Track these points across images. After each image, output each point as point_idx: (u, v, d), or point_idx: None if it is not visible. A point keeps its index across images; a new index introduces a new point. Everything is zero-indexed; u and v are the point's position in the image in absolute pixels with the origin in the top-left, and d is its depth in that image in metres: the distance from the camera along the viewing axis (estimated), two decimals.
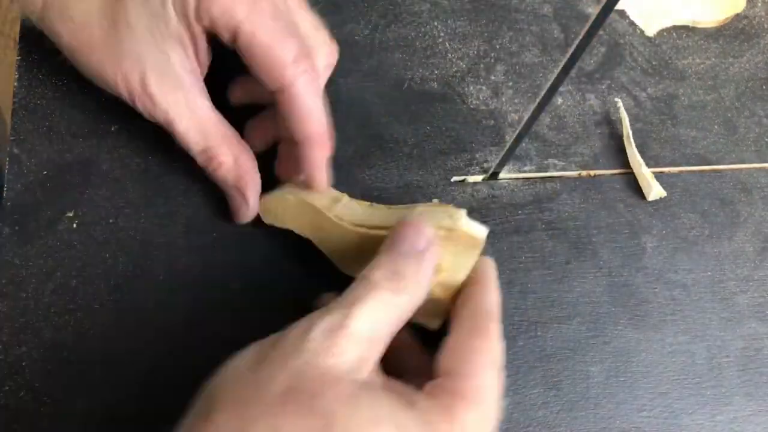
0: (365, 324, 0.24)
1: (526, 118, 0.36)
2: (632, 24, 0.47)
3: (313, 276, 0.37)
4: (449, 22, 0.44)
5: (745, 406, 0.37)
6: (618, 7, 0.30)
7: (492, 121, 0.42)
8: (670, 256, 0.40)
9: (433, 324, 0.31)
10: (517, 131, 0.37)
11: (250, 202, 0.34)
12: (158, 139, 0.39)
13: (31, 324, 0.33)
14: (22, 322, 0.33)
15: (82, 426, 0.31)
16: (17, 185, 0.37)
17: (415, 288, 0.27)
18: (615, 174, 0.42)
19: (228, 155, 0.34)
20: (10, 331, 0.32)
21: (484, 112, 0.42)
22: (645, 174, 0.40)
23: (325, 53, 0.36)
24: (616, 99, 0.44)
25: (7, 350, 0.32)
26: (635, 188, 0.41)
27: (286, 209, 0.34)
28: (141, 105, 0.33)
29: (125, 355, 0.33)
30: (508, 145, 0.38)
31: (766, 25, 0.48)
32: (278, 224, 0.35)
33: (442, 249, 0.28)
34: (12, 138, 0.38)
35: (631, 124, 0.43)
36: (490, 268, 0.30)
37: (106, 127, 0.39)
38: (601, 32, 0.42)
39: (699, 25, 0.47)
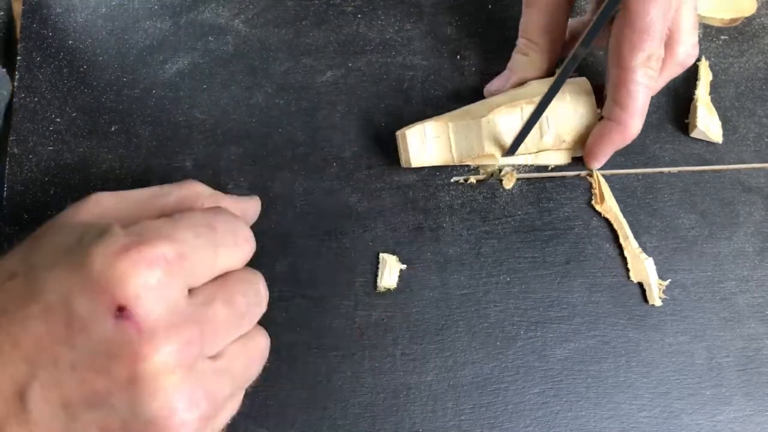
0: None
1: (526, 119, 0.36)
2: None
3: (306, 276, 0.37)
4: (451, 21, 0.44)
5: (744, 406, 0.37)
6: None
7: None
8: (670, 256, 0.40)
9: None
10: (518, 131, 0.37)
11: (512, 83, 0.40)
12: (158, 140, 0.39)
13: None
14: None
15: None
16: (17, 185, 0.37)
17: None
18: (614, 174, 0.42)
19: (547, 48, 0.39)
20: None
21: None
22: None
23: (686, 51, 0.38)
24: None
25: None
26: (634, 188, 0.41)
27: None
28: None
29: None
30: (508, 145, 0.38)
31: (766, 25, 0.48)
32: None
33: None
34: (12, 138, 0.38)
35: None
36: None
37: (106, 127, 0.39)
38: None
39: (704, 21, 0.47)
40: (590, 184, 0.41)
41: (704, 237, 0.41)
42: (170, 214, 0.26)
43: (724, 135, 0.43)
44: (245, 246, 0.27)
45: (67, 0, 0.42)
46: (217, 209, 0.28)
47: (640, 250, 0.39)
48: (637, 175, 0.42)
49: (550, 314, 0.38)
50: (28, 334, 0.23)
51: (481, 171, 0.40)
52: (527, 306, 0.38)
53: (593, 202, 0.40)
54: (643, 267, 0.39)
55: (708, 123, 0.43)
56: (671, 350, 0.38)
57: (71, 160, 0.37)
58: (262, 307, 0.28)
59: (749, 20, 0.47)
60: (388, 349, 0.36)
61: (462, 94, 0.42)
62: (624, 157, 0.42)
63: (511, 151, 0.38)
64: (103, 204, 0.27)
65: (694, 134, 0.43)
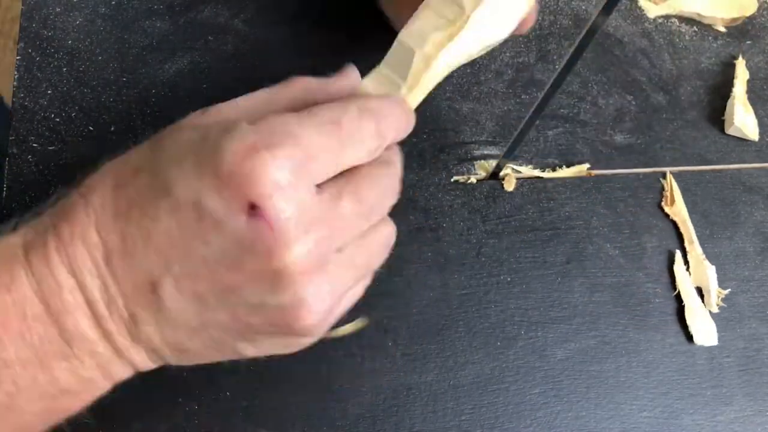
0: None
1: (526, 118, 0.36)
2: (633, 23, 0.47)
3: None
4: None
5: (745, 406, 0.37)
6: None
7: (492, 122, 0.42)
8: (670, 256, 0.40)
9: None
10: (518, 131, 0.37)
11: None
12: None
13: None
14: None
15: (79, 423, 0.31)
16: (17, 185, 0.37)
17: None
18: (615, 174, 0.42)
19: None
20: None
21: (484, 112, 0.42)
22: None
23: None
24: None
25: None
26: (635, 188, 0.41)
27: None
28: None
29: None
30: (508, 145, 0.38)
31: (766, 25, 0.48)
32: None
33: None
34: (12, 138, 0.38)
35: (630, 124, 0.43)
36: None
37: (106, 127, 0.39)
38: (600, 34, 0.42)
39: (704, 21, 0.47)
40: (662, 186, 0.41)
41: (705, 237, 0.41)
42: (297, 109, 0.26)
43: (724, 135, 0.43)
44: (370, 141, 0.27)
45: (67, 0, 0.41)
46: (343, 104, 0.27)
47: (703, 256, 0.39)
48: (637, 175, 0.42)
49: (551, 314, 0.38)
50: (160, 229, 0.24)
51: (482, 171, 0.40)
52: (528, 306, 0.38)
53: (663, 203, 0.41)
54: (705, 274, 0.39)
55: (745, 120, 0.43)
56: (672, 350, 0.38)
57: (71, 160, 0.37)
58: (392, 198, 0.28)
59: (750, 20, 0.47)
60: (388, 349, 0.36)
61: (462, 92, 0.42)
62: (624, 157, 0.42)
63: (509, 152, 0.38)
64: (224, 110, 0.27)
65: (730, 131, 0.43)
